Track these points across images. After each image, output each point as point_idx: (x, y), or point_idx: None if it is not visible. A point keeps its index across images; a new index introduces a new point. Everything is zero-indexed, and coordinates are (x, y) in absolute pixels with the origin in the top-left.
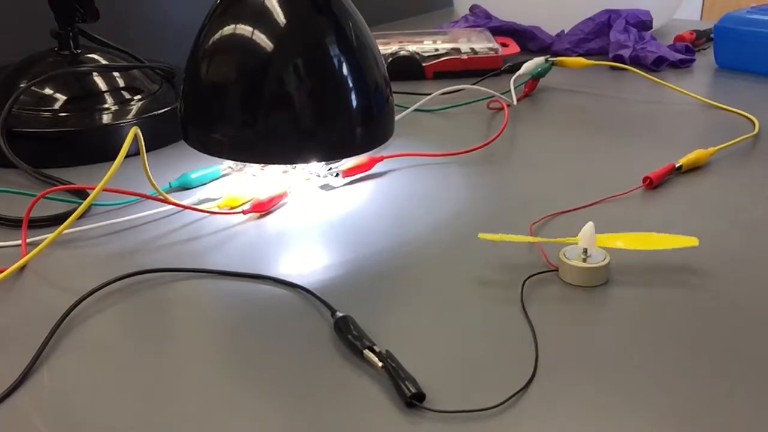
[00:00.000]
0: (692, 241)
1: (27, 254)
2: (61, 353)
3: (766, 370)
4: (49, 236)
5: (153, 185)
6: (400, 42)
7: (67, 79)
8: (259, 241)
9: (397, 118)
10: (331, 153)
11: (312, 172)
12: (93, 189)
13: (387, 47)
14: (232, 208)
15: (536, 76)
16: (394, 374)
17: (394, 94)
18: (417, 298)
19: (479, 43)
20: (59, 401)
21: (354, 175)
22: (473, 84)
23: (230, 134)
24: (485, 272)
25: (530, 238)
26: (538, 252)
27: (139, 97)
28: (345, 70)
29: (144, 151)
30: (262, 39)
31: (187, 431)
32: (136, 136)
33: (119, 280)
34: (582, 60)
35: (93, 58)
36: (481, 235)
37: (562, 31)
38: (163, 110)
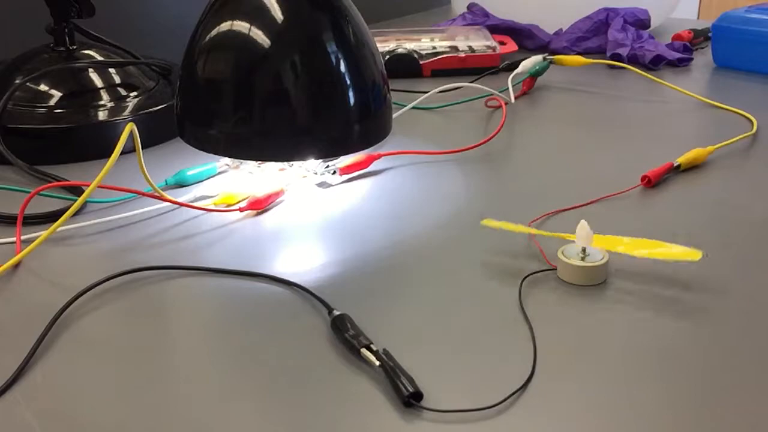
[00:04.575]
0: (695, 255)
1: (21, 251)
2: (56, 351)
3: (765, 368)
4: (44, 233)
5: (149, 182)
6: (398, 40)
7: (63, 76)
8: (256, 238)
9: (394, 115)
10: (328, 150)
11: (309, 169)
12: (88, 186)
13: (384, 45)
14: (228, 205)
15: (534, 75)
16: (391, 373)
17: (391, 92)
18: (415, 297)
19: (477, 41)
20: (53, 399)
21: (351, 172)
22: (471, 82)
23: (227, 131)
24: (483, 270)
25: (531, 230)
26: (537, 250)
27: (135, 93)
28: (342, 67)
29: (140, 147)
30: (260, 35)
31: (182, 429)
32: (131, 132)
33: (114, 278)
34: (580, 58)
35: (89, 55)
36: (484, 222)
37: (560, 29)
38: (159, 107)
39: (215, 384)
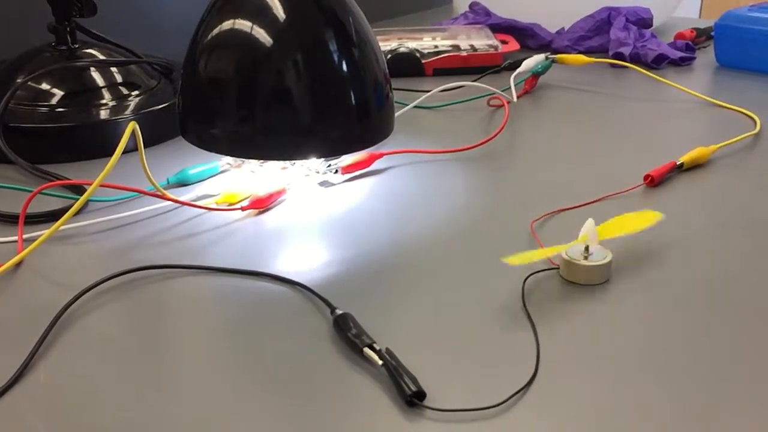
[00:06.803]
0: (655, 216)
1: (23, 250)
2: (58, 350)
3: (767, 368)
4: (46, 232)
5: (151, 181)
6: (400, 39)
7: (65, 75)
8: (258, 237)
9: (396, 114)
10: (330, 149)
11: (311, 168)
12: (90, 185)
13: (386, 44)
14: (230, 204)
15: (536, 74)
16: (394, 372)
17: (393, 91)
18: (417, 296)
19: (479, 40)
20: (56, 398)
21: (353, 171)
22: (473, 81)
23: (229, 130)
24: (486, 270)
25: (547, 251)
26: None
27: (137, 92)
28: (345, 66)
29: (142, 146)
30: (262, 34)
31: (184, 429)
32: (133, 131)
33: (116, 277)
34: (582, 57)
35: (90, 53)
36: (504, 260)
37: (562, 28)
38: (161, 106)
39: (217, 383)
